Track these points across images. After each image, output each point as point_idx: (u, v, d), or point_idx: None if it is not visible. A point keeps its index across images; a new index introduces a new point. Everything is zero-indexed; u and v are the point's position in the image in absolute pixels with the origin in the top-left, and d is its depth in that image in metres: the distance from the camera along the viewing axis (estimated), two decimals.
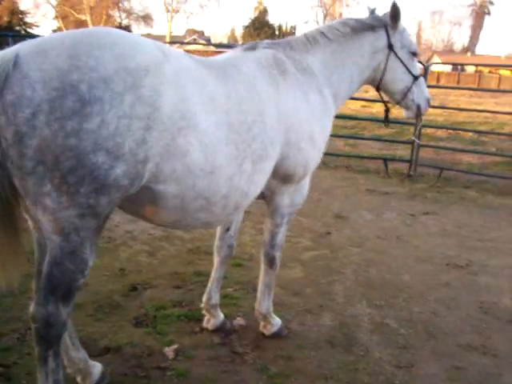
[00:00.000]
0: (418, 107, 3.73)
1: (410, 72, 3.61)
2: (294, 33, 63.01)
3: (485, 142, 13.30)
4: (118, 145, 2.14)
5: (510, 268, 5.12)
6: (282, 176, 3.13)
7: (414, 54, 3.65)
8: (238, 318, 3.86)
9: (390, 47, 3.51)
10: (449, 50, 62.98)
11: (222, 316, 3.70)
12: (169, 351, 3.38)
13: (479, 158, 11.33)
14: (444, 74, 44.79)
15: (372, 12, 3.61)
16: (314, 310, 4.08)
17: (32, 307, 2.35)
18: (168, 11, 45.39)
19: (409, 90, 3.65)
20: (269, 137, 2.85)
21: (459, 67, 47.55)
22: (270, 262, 3.50)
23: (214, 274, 3.70)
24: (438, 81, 41.16)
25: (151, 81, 2.24)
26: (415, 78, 3.64)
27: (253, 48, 3.15)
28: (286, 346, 3.55)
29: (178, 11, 46.29)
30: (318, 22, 58.46)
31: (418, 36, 71.70)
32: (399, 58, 3.55)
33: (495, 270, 5.07)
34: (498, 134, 12.97)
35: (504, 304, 4.34)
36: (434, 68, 41.94)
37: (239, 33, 69.89)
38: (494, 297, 4.46)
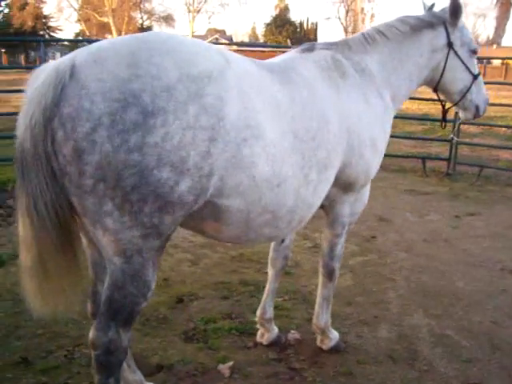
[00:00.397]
0: (477, 108, 3.54)
1: (469, 71, 3.42)
2: (315, 30, 62.70)
3: None
4: (183, 159, 2.01)
5: None
6: (343, 184, 2.98)
7: (474, 52, 3.46)
8: (293, 332, 3.71)
9: (450, 45, 3.32)
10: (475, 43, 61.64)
11: (276, 330, 3.57)
12: (224, 369, 3.25)
13: None
14: None
15: (430, 8, 3.43)
16: (370, 321, 3.91)
17: (92, 333, 2.22)
18: (189, 11, 45.40)
19: (468, 89, 3.46)
20: (332, 144, 2.70)
21: (485, 60, 46.59)
22: (330, 274, 3.35)
23: (268, 287, 3.56)
24: None
25: (215, 88, 2.10)
26: (475, 77, 3.45)
27: (310, 49, 2.99)
28: (345, 361, 3.40)
29: (199, 11, 46.26)
30: (339, 18, 58.01)
31: None
32: (459, 57, 3.36)
33: None
34: (437, 120, 12.41)
35: None
36: None
37: (260, 31, 69.78)
38: None
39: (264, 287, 4.41)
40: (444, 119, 3.75)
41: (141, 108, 1.91)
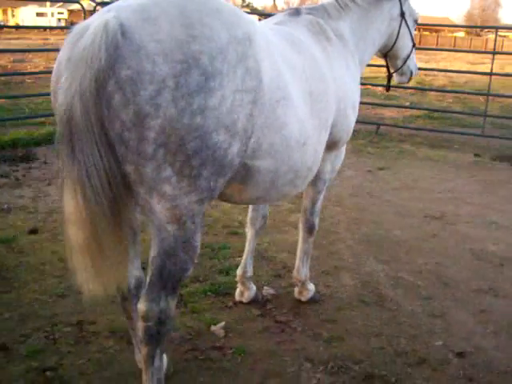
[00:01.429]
0: (411, 73, 3.91)
1: (412, 39, 3.73)
2: None
3: (397, 96, 14.01)
4: (234, 121, 2.00)
5: (479, 216, 5.55)
6: (328, 144, 3.11)
7: (416, 22, 3.79)
8: (266, 288, 3.85)
9: (403, 15, 3.59)
10: None
11: (254, 288, 3.67)
12: (217, 329, 3.30)
13: (398, 112, 11.97)
14: None
15: None
16: (332, 271, 4.17)
17: (143, 305, 2.15)
18: None
19: (409, 56, 3.79)
20: (331, 105, 2.82)
21: None
22: (310, 228, 3.51)
23: (248, 247, 3.63)
24: None
25: (254, 51, 2.10)
26: (413, 44, 3.78)
27: (297, 14, 3.04)
28: (325, 309, 3.62)
29: None
30: None
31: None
32: (407, 26, 3.65)
33: (467, 219, 5.47)
34: (406, 88, 13.63)
35: (490, 249, 4.72)
36: None
37: None
38: (479, 244, 4.82)
39: (218, 248, 4.50)
40: (389, 84, 4.05)
41: (202, 70, 1.85)
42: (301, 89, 2.47)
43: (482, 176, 7.18)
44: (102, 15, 1.86)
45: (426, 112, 11.71)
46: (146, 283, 2.16)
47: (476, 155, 8.33)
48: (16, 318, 3.35)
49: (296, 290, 3.70)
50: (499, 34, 43.20)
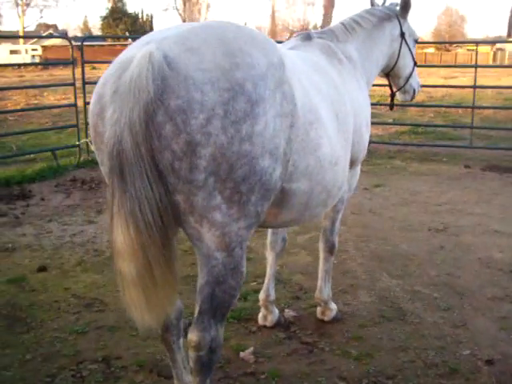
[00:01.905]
0: (414, 91, 4.03)
1: (413, 58, 3.86)
2: (151, 21, 61.83)
3: (379, 114, 14.24)
4: (277, 146, 2.05)
5: (479, 226, 5.65)
6: None
7: (416, 42, 3.92)
8: (287, 310, 3.85)
9: (403, 35, 3.72)
10: (305, 29, 66.10)
11: (277, 311, 3.67)
12: (247, 355, 3.28)
13: (383, 130, 12.17)
14: None
15: (384, 3, 3.82)
16: (348, 290, 4.19)
17: (194, 335, 2.14)
18: (18, 5, 41.75)
19: (411, 75, 3.91)
20: (351, 126, 2.89)
21: None
22: (331, 248, 3.55)
23: (269, 271, 3.64)
24: None
25: (287, 75, 2.15)
26: (415, 63, 3.90)
27: (309, 38, 3.13)
28: (348, 327, 3.63)
29: (28, 4, 42.79)
30: (177, 9, 57.83)
31: (273, 17, 74.11)
32: (408, 46, 3.78)
33: (468, 229, 5.57)
34: (385, 104, 13.87)
35: (497, 257, 4.81)
36: None
37: (92, 24, 67.01)
38: (485, 253, 4.91)
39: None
40: (392, 103, 4.16)
41: (247, 97, 1.90)
42: (328, 111, 2.54)
43: (475, 186, 7.33)
44: (142, 47, 1.90)
45: (410, 128, 11.93)
46: (196, 312, 2.16)
47: (466, 166, 8.50)
48: (39, 359, 3.29)
49: (318, 310, 3.71)
50: (468, 47, 44.94)
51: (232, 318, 3.75)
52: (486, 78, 19.84)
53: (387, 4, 3.82)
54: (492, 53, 47.38)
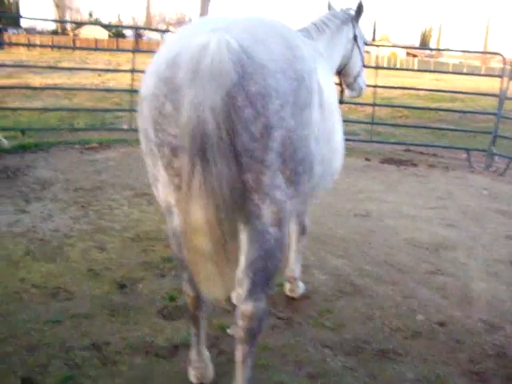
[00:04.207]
0: (360, 89, 4.48)
1: (362, 59, 4.30)
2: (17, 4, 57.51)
3: None
4: (316, 132, 2.29)
5: (397, 212, 6.31)
6: None
7: (366, 44, 4.37)
8: None
9: (355, 38, 4.12)
10: (182, 21, 65.85)
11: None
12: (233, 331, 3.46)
13: None
14: None
15: (341, 8, 4.18)
16: (303, 269, 4.48)
17: (249, 306, 2.30)
18: None
19: (359, 74, 4.35)
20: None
21: None
22: (303, 229, 3.84)
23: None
24: None
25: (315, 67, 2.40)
26: (363, 64, 4.36)
27: None
28: (315, 303, 3.97)
29: None
30: None
31: (148, 8, 72.82)
32: (359, 48, 4.21)
33: (388, 214, 6.20)
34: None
35: (419, 238, 5.45)
36: None
37: None
38: (409, 234, 5.54)
39: None
40: (341, 100, 4.56)
41: (307, 87, 2.12)
42: (334, 101, 2.82)
43: (380, 177, 8.06)
44: (209, 35, 1.94)
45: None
46: (246, 285, 2.30)
47: (367, 159, 9.29)
48: (22, 351, 3.18)
49: (288, 287, 3.99)
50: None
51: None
52: None
53: (344, 8, 4.19)
54: None
